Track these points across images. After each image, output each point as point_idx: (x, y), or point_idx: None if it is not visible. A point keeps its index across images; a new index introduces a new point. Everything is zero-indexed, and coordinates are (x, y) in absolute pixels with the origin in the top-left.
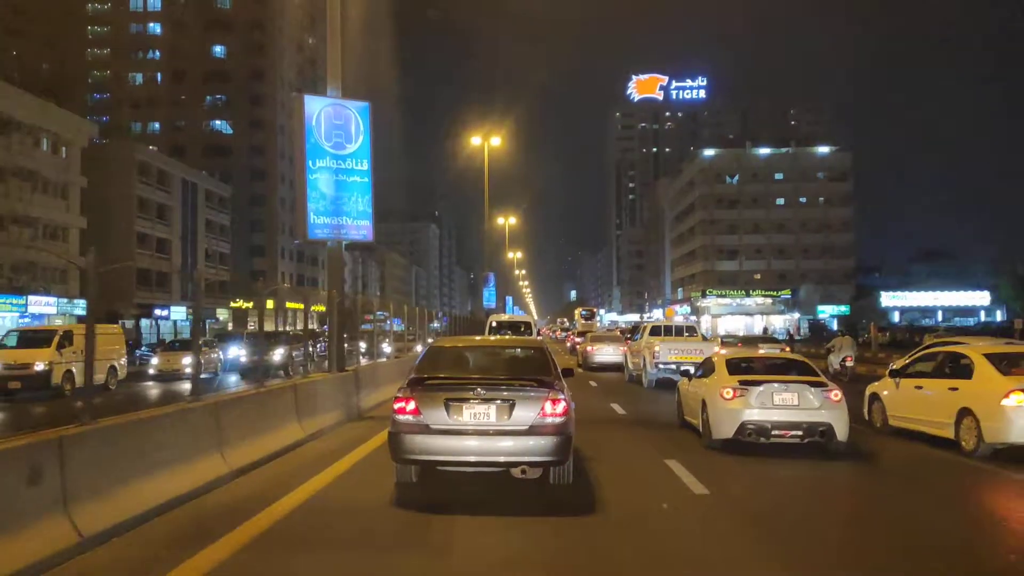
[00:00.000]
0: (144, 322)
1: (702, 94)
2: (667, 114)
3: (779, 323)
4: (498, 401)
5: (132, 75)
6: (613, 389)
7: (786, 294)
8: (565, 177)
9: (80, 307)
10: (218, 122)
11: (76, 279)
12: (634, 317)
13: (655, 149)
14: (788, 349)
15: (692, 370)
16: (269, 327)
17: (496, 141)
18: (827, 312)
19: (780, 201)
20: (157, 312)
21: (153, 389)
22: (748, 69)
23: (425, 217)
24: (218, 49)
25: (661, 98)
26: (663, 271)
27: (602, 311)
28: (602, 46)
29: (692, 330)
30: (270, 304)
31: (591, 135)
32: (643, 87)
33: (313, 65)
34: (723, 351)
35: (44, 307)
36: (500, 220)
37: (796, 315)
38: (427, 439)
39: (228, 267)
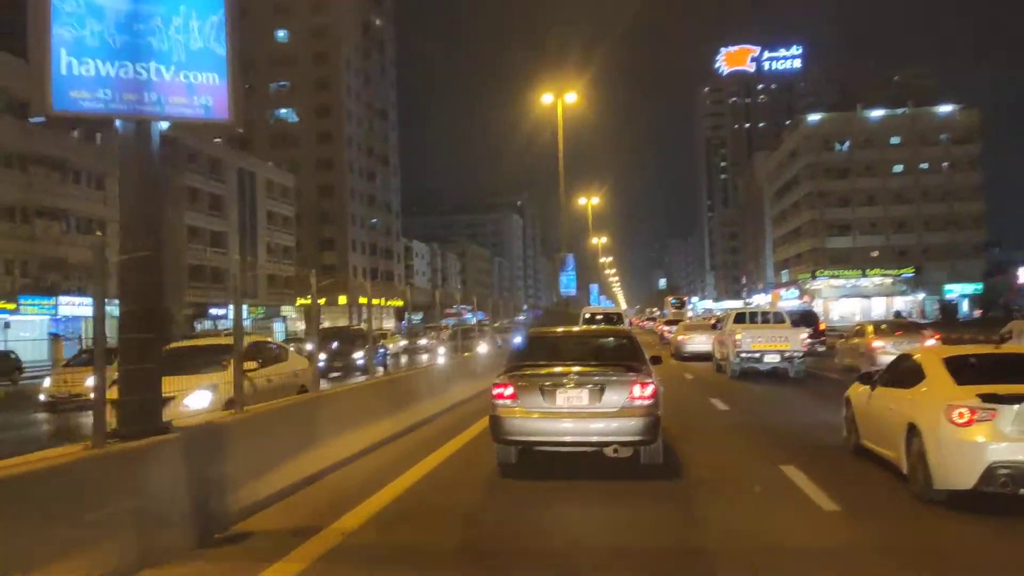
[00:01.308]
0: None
1: (797, 64)
2: (759, 87)
3: (901, 305)
4: (589, 386)
5: None
6: (703, 379)
7: (908, 272)
8: (650, 160)
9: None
10: (283, 110)
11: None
12: (730, 304)
13: (747, 124)
14: (938, 336)
15: (875, 372)
16: (343, 324)
17: (571, 97)
18: (955, 291)
19: (897, 168)
20: (213, 311)
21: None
22: (845, 34)
23: (507, 207)
24: (281, 33)
25: (753, 70)
26: (763, 253)
27: (695, 299)
28: (687, 23)
29: (779, 316)
30: (342, 300)
31: (677, 115)
32: (733, 59)
33: (382, 48)
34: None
35: (78, 308)
36: (582, 200)
37: (921, 295)
38: (525, 421)
39: (293, 261)
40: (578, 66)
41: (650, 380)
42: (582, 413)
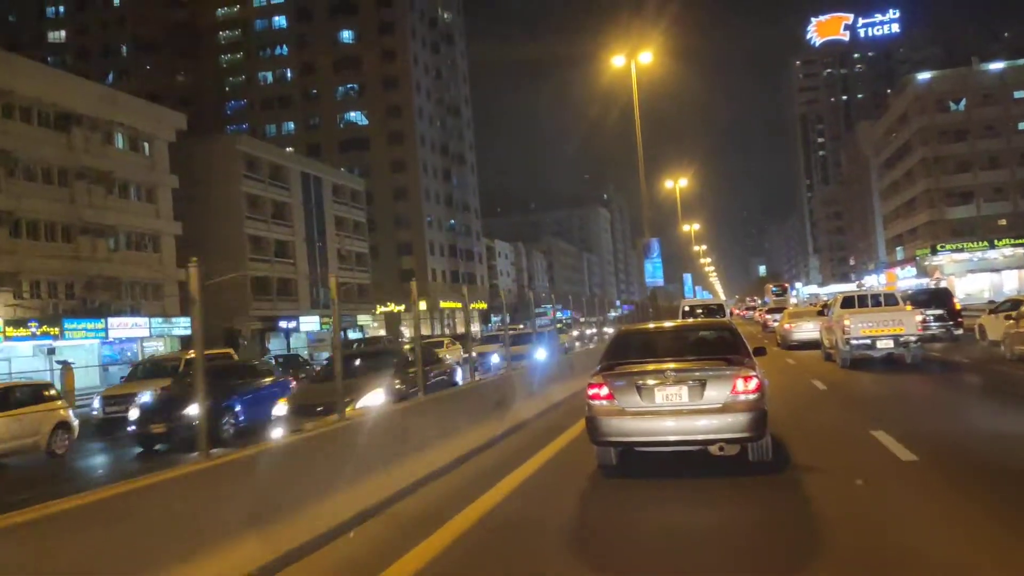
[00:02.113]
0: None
1: (895, 28)
2: (855, 56)
3: None
4: (689, 382)
5: (262, 74)
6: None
7: None
8: (743, 142)
9: (181, 326)
10: (352, 114)
11: (174, 293)
12: (839, 287)
13: (844, 97)
14: None
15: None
16: (425, 331)
17: (646, 57)
18: None
19: (1023, 126)
20: (283, 324)
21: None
22: None
23: (592, 201)
24: (346, 35)
25: (847, 39)
26: (872, 230)
27: (799, 284)
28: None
29: (891, 298)
30: (423, 305)
31: (768, 92)
32: (824, 29)
33: (451, 41)
34: None
35: (132, 329)
36: (669, 184)
37: None
38: (623, 421)
39: (367, 268)
40: (659, 44)
41: (753, 373)
42: (683, 410)
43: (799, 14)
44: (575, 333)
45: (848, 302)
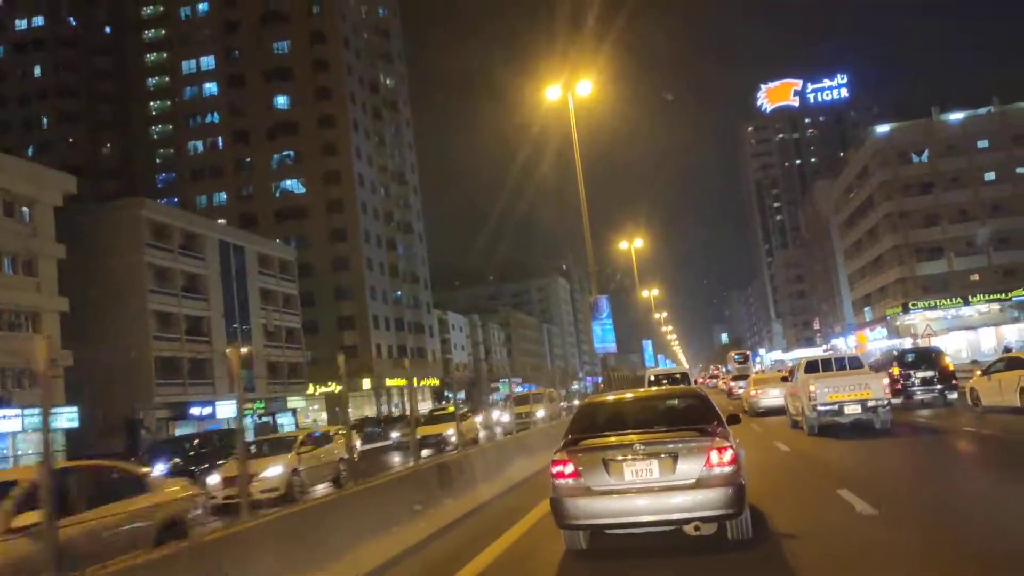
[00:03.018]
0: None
1: (844, 93)
2: (807, 120)
3: (1014, 335)
4: (660, 455)
5: (193, 144)
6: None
7: (1019, 295)
8: (699, 211)
9: (67, 416)
10: (289, 182)
11: (59, 375)
12: (804, 352)
13: (798, 161)
14: None
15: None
16: (369, 411)
17: (586, 88)
18: None
19: (990, 176)
20: (196, 411)
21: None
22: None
23: (551, 271)
24: (281, 100)
25: (797, 104)
26: (837, 292)
27: (762, 350)
28: (723, 66)
29: (856, 361)
30: (365, 383)
31: (722, 160)
32: (775, 95)
33: (395, 108)
34: None
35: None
36: (624, 245)
37: None
38: (590, 502)
39: (299, 345)
40: (611, 117)
41: (728, 444)
42: (654, 488)
43: (750, 80)
44: (540, 414)
45: (812, 367)
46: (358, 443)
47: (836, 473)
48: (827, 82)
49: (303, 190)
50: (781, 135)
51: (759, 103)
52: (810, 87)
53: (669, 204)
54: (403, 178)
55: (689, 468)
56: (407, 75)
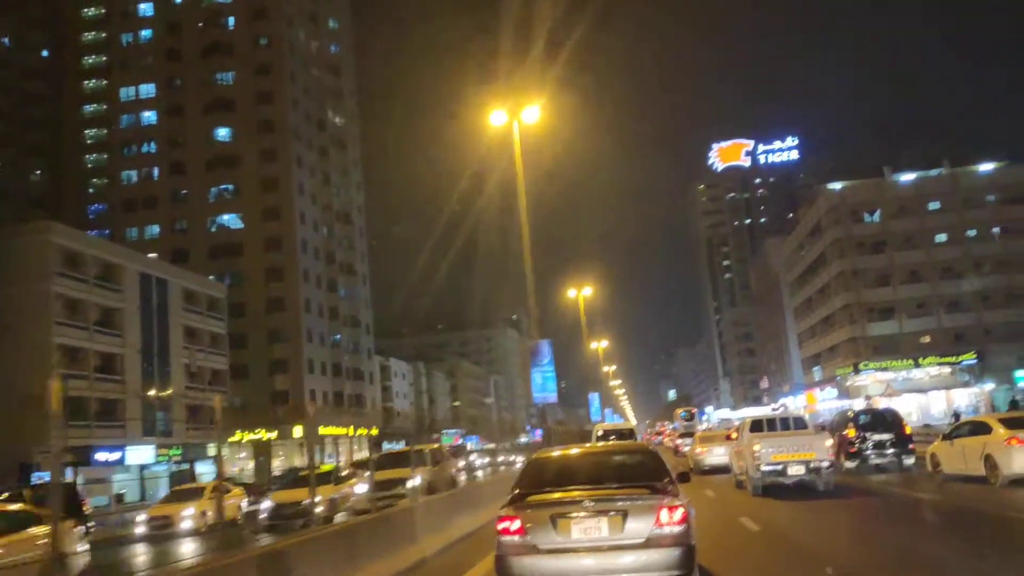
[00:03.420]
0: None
1: (794, 155)
2: (757, 180)
3: (964, 400)
4: (609, 513)
5: (127, 174)
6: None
7: (969, 359)
8: (649, 268)
9: None
10: (226, 217)
11: None
12: (752, 411)
13: (748, 220)
14: None
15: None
16: (299, 462)
17: (533, 115)
18: None
19: (941, 238)
20: (102, 456)
21: None
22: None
23: (501, 322)
24: (221, 132)
25: (748, 164)
26: (786, 350)
27: (709, 408)
28: (675, 126)
29: (800, 422)
30: (296, 431)
31: (673, 219)
32: (726, 155)
33: (343, 147)
34: None
35: None
36: (593, 345)
37: (988, 386)
38: (536, 561)
39: (225, 388)
40: (563, 164)
41: (679, 502)
42: (602, 547)
43: (702, 138)
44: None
45: (757, 426)
46: (244, 502)
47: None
48: (778, 143)
49: (241, 225)
50: (732, 194)
51: (711, 162)
52: (761, 148)
53: (620, 258)
54: (348, 218)
55: (639, 527)
56: (358, 114)
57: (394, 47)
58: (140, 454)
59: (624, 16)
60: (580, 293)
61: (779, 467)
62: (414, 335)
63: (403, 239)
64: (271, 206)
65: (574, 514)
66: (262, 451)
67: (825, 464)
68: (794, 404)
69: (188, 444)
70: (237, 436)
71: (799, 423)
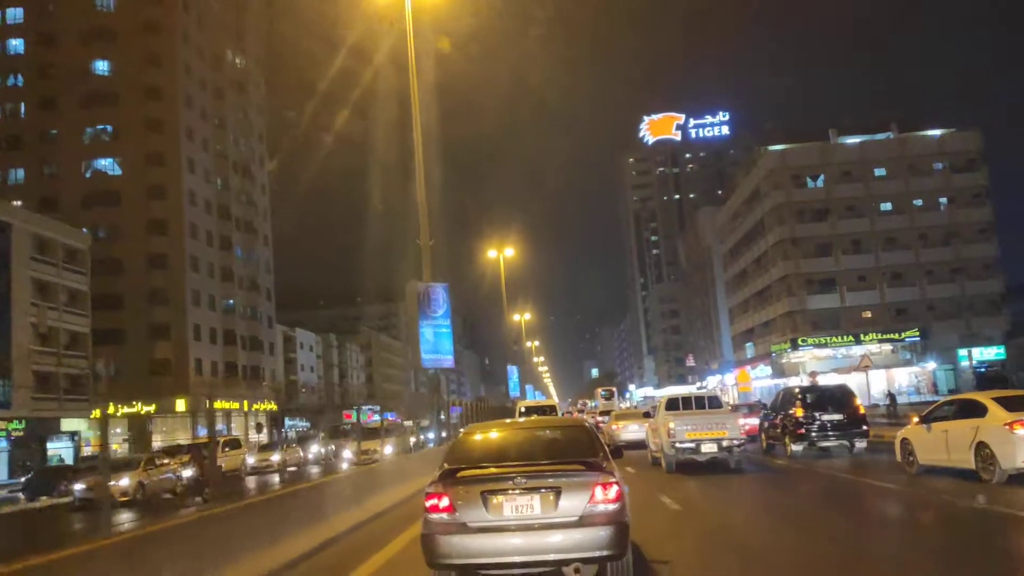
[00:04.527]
0: None
1: (725, 131)
2: (687, 156)
3: (905, 379)
4: (542, 490)
5: None
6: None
7: (912, 335)
8: (576, 243)
9: None
10: (103, 161)
11: None
12: (676, 389)
13: (677, 196)
14: None
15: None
16: (183, 437)
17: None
18: (972, 358)
19: (886, 206)
20: None
21: None
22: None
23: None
24: (100, 65)
25: (679, 138)
26: (715, 326)
27: (632, 386)
28: (606, 98)
29: (715, 400)
30: (180, 406)
31: (602, 191)
32: (657, 128)
33: (242, 90)
34: None
35: None
36: (516, 317)
37: (931, 365)
38: (464, 539)
39: (86, 354)
40: (486, 115)
41: (614, 479)
42: (535, 525)
43: (633, 110)
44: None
45: (672, 404)
46: None
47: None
48: (709, 118)
49: (119, 172)
50: (661, 168)
51: (641, 134)
52: (692, 122)
53: (545, 233)
54: (248, 171)
55: (572, 504)
56: (264, 58)
57: None
58: None
59: None
60: (501, 254)
61: (692, 445)
62: (331, 307)
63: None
64: (154, 151)
65: (506, 491)
66: (140, 425)
67: (736, 443)
68: (722, 382)
69: (36, 418)
70: (110, 409)
71: (714, 402)
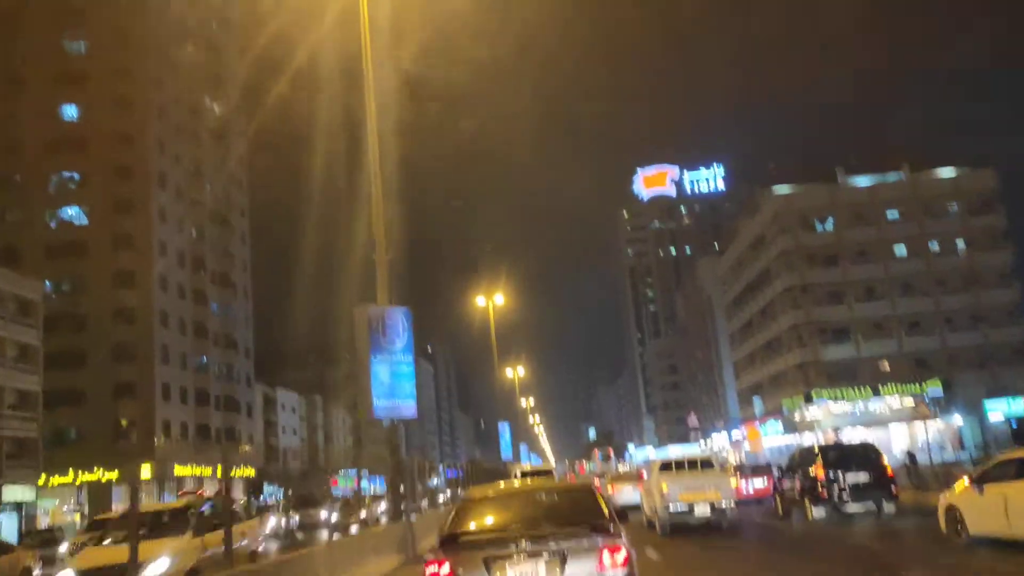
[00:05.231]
0: None
1: (720, 184)
2: (683, 209)
3: (924, 435)
4: (546, 555)
5: None
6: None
7: (935, 386)
8: (572, 302)
9: None
10: (70, 210)
11: None
12: (679, 449)
13: (673, 250)
14: None
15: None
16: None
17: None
18: (999, 411)
19: (900, 250)
20: None
21: None
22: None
23: (416, 353)
24: (69, 110)
25: (674, 193)
26: (719, 381)
27: (631, 446)
28: (605, 157)
29: (707, 463)
30: (146, 473)
31: (597, 249)
32: (651, 181)
33: (220, 138)
34: None
35: None
36: (508, 371)
37: (956, 419)
38: None
39: (34, 415)
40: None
41: (621, 543)
42: None
43: (628, 162)
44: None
45: (666, 466)
46: None
47: None
48: (704, 171)
49: (86, 221)
50: (657, 223)
51: (636, 189)
52: (687, 175)
53: (539, 282)
54: (226, 220)
55: (579, 571)
56: (238, 101)
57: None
58: None
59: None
60: (491, 301)
61: (685, 507)
62: (320, 365)
63: (314, 260)
64: (123, 197)
65: (509, 557)
66: (99, 494)
67: (729, 505)
68: (727, 441)
69: None
70: (69, 476)
71: (706, 463)
